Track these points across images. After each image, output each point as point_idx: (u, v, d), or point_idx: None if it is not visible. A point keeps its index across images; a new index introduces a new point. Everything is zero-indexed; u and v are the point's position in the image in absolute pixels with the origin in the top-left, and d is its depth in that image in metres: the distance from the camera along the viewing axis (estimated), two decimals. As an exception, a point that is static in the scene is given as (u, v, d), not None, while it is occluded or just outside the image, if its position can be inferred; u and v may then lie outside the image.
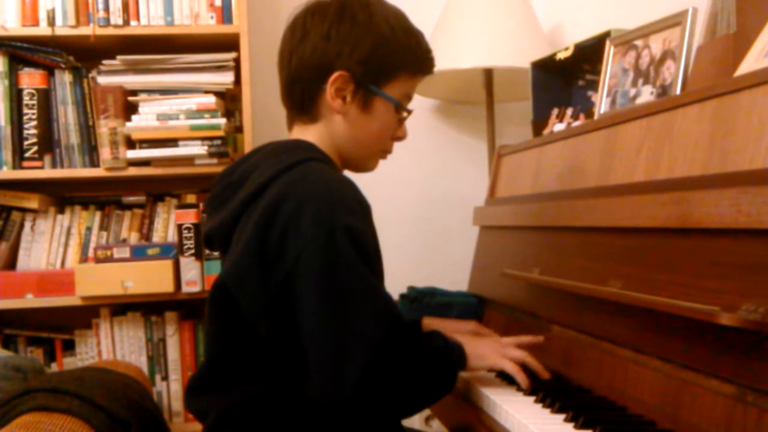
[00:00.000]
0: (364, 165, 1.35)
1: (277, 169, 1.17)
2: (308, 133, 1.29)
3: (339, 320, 1.08)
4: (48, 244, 2.24)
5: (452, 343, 1.22)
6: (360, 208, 1.16)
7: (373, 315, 1.10)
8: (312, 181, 1.15)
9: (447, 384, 1.19)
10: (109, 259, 2.12)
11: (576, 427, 1.05)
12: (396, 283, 1.87)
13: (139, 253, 2.14)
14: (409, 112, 1.34)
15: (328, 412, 1.13)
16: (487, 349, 1.27)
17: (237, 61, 2.18)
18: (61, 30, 2.14)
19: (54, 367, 2.22)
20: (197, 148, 2.13)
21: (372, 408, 1.11)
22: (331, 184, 1.15)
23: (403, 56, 1.29)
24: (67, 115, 2.20)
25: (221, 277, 1.18)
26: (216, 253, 2.04)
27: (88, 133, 2.20)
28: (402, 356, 1.12)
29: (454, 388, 1.20)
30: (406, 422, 1.31)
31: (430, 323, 1.54)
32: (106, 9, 2.15)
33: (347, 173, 1.32)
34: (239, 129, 2.28)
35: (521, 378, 1.24)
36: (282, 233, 1.11)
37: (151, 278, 2.10)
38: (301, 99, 1.29)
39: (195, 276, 2.13)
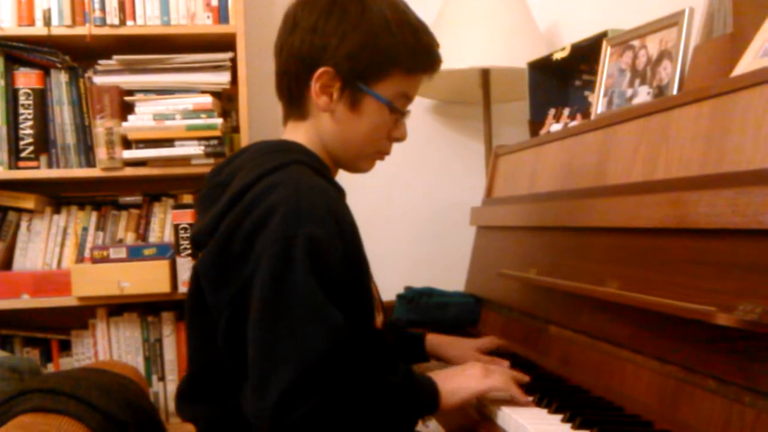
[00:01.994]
0: (357, 166, 1.28)
1: (257, 174, 1.12)
2: (299, 131, 1.25)
3: (275, 330, 1.02)
4: (44, 245, 2.23)
5: (419, 383, 1.12)
6: (330, 218, 1.08)
7: (313, 333, 1.01)
8: (286, 187, 1.09)
9: (396, 424, 1.09)
10: (106, 260, 2.12)
11: (573, 427, 1.05)
12: (393, 283, 1.87)
13: (135, 254, 2.13)
14: (404, 113, 1.26)
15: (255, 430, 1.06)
16: (466, 378, 1.16)
17: (233, 61, 2.18)
18: (57, 30, 2.14)
19: (50, 368, 2.22)
20: (194, 148, 2.12)
21: (292, 430, 1.01)
22: (303, 190, 1.09)
23: (396, 53, 1.20)
24: (63, 115, 2.19)
25: (194, 283, 1.16)
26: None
27: (84, 133, 2.20)
28: (340, 385, 1.03)
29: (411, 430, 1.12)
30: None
31: (434, 340, 1.51)
32: (102, 9, 2.14)
33: (345, 175, 1.30)
34: (236, 129, 2.28)
35: (513, 390, 1.16)
36: (248, 238, 1.07)
37: (147, 278, 2.09)
38: (289, 94, 1.24)
39: (191, 276, 2.12)
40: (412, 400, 1.10)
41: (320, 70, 1.18)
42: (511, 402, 1.19)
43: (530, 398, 1.18)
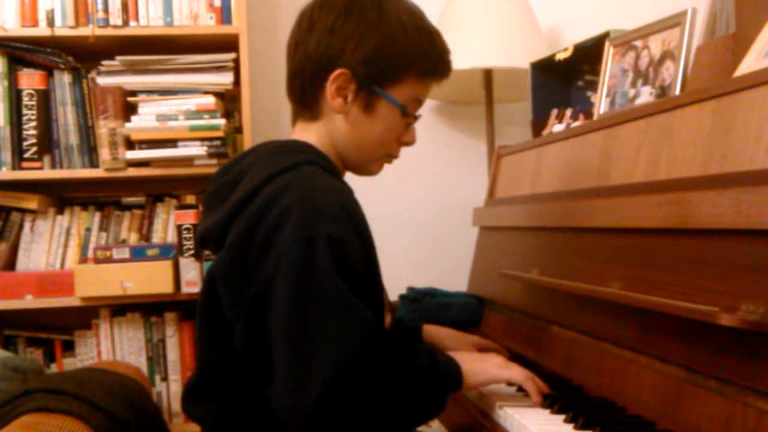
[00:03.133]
0: (366, 168, 1.29)
1: (269, 173, 1.12)
2: (309, 132, 1.24)
3: (306, 331, 1.03)
4: (47, 245, 2.24)
5: (443, 362, 1.14)
6: (346, 216, 1.09)
7: (344, 329, 1.03)
8: (300, 187, 1.09)
9: (430, 406, 1.11)
10: (109, 260, 2.12)
11: (576, 427, 1.05)
12: (396, 284, 1.87)
13: (138, 254, 2.14)
14: (416, 117, 1.27)
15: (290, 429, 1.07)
16: (488, 364, 1.19)
17: (236, 61, 2.18)
18: (61, 31, 2.14)
19: (54, 368, 2.22)
20: (196, 149, 2.13)
21: (333, 429, 1.02)
22: (318, 190, 1.09)
23: (411, 57, 1.21)
24: (66, 116, 2.20)
25: (207, 285, 1.16)
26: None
27: (87, 133, 2.20)
28: (373, 375, 1.05)
29: (443, 409, 1.12)
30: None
31: (431, 331, 1.52)
32: (106, 10, 2.15)
33: (349, 176, 1.30)
34: (238, 130, 2.28)
35: (531, 386, 1.17)
36: (265, 240, 1.07)
37: (150, 279, 2.10)
38: (302, 94, 1.24)
39: (194, 276, 2.13)
40: (439, 381, 1.12)
41: (337, 71, 1.18)
42: (514, 402, 1.19)
43: (542, 399, 1.17)
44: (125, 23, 2.16)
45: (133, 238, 2.28)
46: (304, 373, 1.01)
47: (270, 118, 2.42)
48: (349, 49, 1.18)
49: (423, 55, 1.22)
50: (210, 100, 2.15)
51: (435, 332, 1.52)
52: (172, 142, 2.13)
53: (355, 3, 1.20)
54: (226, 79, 2.17)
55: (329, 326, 1.03)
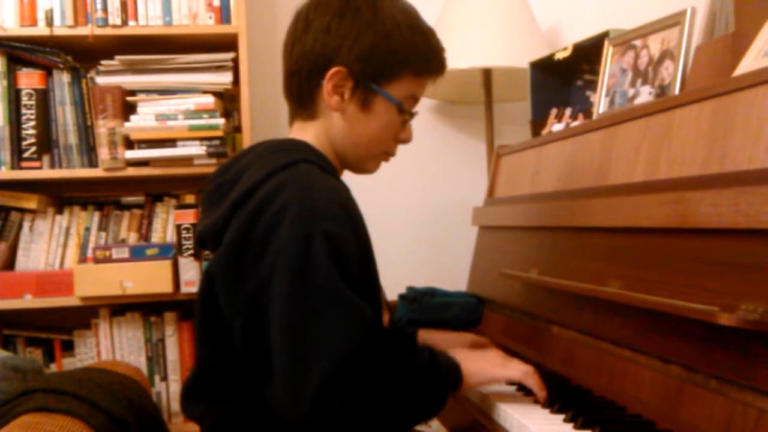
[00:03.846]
0: (364, 166, 1.30)
1: (266, 172, 1.13)
2: (307, 131, 1.25)
3: (304, 328, 1.03)
4: (47, 245, 2.24)
5: (443, 361, 1.14)
6: (343, 214, 1.10)
7: (342, 326, 1.03)
8: (297, 185, 1.10)
9: (429, 405, 1.11)
10: (108, 260, 2.12)
11: (575, 427, 1.05)
12: (396, 283, 1.87)
13: (137, 254, 2.14)
14: (412, 114, 1.28)
15: (288, 428, 1.07)
16: (487, 363, 1.19)
17: (235, 61, 2.18)
18: (60, 30, 2.14)
19: (53, 368, 2.22)
20: (196, 149, 2.13)
21: (332, 428, 1.02)
22: (315, 188, 1.10)
23: (407, 55, 1.22)
24: (65, 116, 2.20)
25: (206, 283, 1.16)
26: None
27: (86, 133, 2.20)
28: (372, 372, 1.05)
29: (443, 407, 1.12)
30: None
31: (425, 336, 1.52)
32: (105, 9, 2.14)
33: (347, 174, 1.31)
34: (238, 129, 2.28)
35: (534, 382, 1.16)
36: (263, 238, 1.07)
37: (150, 278, 2.10)
38: (299, 93, 1.25)
39: (194, 276, 2.12)
40: (440, 379, 1.12)
41: (333, 69, 1.20)
42: (514, 401, 1.19)
43: (546, 393, 1.17)
44: (124, 23, 2.16)
45: (133, 238, 2.28)
46: (303, 370, 1.02)
47: (269, 117, 2.42)
48: (345, 48, 1.20)
49: (418, 54, 1.24)
50: (209, 100, 2.15)
51: (429, 336, 1.52)
52: (171, 142, 2.13)
53: (350, 3, 1.22)
54: (225, 78, 2.17)
55: (327, 323, 1.03)
